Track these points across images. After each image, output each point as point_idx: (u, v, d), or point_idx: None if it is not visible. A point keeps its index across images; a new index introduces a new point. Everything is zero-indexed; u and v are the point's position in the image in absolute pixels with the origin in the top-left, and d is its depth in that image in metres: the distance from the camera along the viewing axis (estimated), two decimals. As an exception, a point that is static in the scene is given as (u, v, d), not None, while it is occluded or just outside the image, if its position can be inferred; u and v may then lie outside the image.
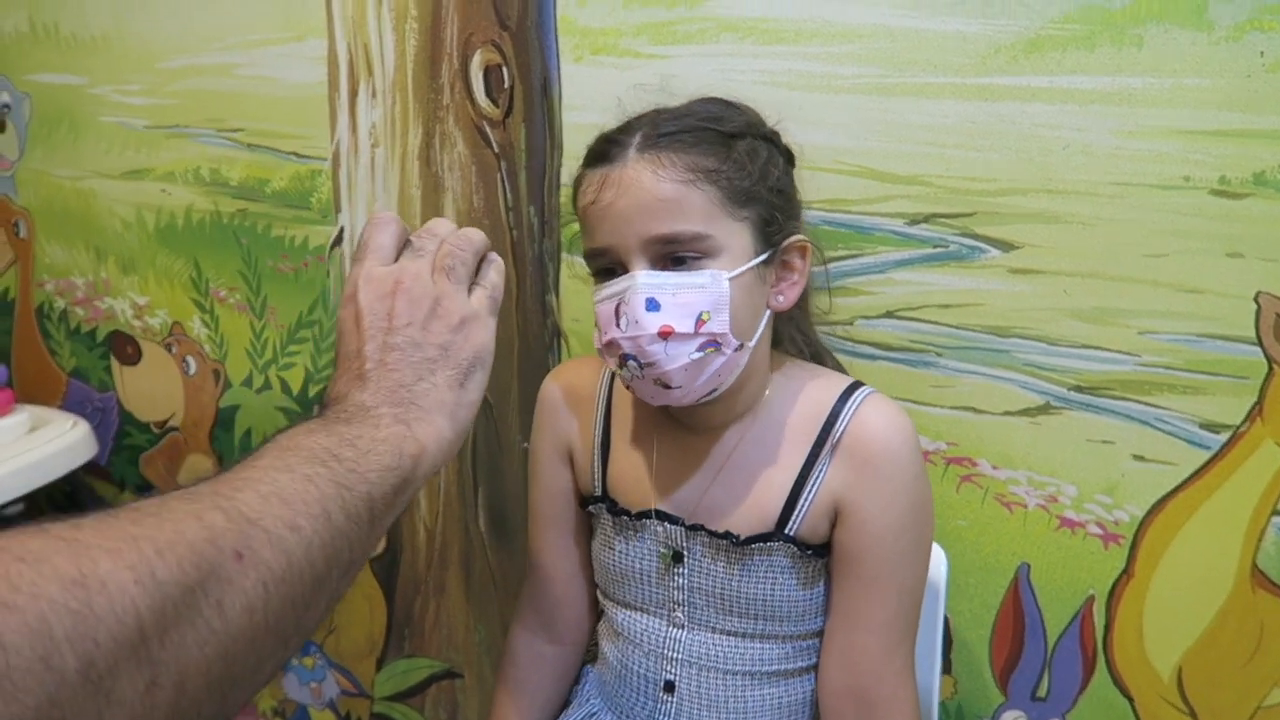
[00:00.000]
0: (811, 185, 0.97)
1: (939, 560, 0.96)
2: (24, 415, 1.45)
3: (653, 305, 0.76)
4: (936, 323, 0.99)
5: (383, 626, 1.45)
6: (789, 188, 0.86)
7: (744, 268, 0.79)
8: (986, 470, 1.00)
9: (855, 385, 0.86)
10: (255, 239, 1.38)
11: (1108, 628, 0.98)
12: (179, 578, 0.37)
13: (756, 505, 0.84)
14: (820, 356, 0.93)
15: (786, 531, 0.83)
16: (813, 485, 0.82)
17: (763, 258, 0.81)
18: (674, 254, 0.77)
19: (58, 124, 1.50)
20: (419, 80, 1.20)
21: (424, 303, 0.60)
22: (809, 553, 0.83)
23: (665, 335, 0.76)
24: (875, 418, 0.83)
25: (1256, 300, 0.86)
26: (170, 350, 1.52)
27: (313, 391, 1.40)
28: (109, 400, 1.62)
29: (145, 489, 1.62)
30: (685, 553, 0.87)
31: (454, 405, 0.58)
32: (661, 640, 0.89)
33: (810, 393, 0.86)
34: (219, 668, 0.38)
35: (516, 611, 1.02)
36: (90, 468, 1.65)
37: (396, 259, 0.63)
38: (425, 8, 1.17)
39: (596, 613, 0.99)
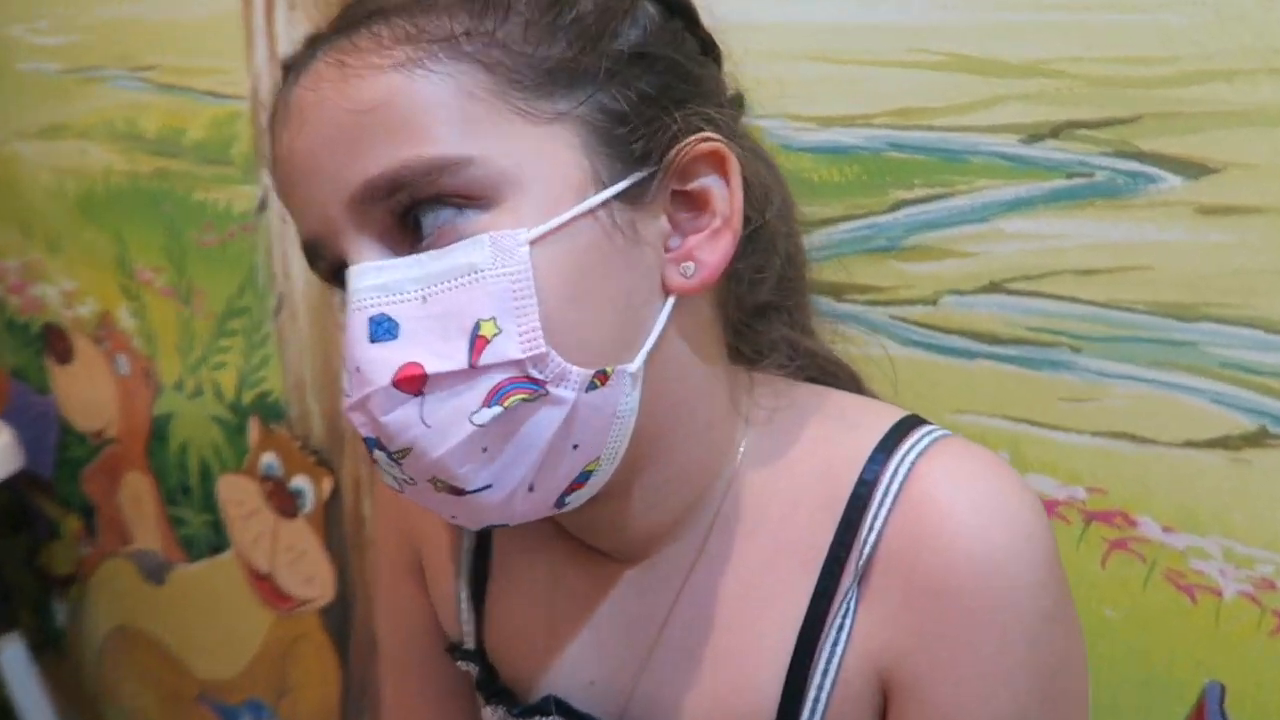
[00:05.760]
0: (867, 89, 0.64)
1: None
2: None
3: (383, 329, 0.41)
4: (1073, 298, 0.63)
5: (336, 691, 1.17)
6: (680, 56, 0.47)
7: (570, 213, 0.42)
8: (1153, 534, 0.64)
9: (906, 427, 0.48)
10: (177, 204, 1.13)
11: (1360, 796, 0.61)
12: None
13: (735, 690, 0.48)
14: (827, 375, 0.55)
15: None
16: (833, 642, 0.45)
17: (622, 185, 0.43)
18: (412, 214, 0.42)
19: (-25, 76, 1.29)
20: (344, -19, 0.91)
21: None
22: None
23: (410, 384, 0.40)
24: (950, 496, 0.44)
25: None
26: (101, 345, 1.27)
27: (247, 398, 1.12)
28: (48, 404, 1.39)
29: (89, 511, 1.38)
30: None
31: None
32: None
33: (817, 455, 0.48)
34: None
35: None
36: (35, 482, 1.43)
37: None
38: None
39: None
